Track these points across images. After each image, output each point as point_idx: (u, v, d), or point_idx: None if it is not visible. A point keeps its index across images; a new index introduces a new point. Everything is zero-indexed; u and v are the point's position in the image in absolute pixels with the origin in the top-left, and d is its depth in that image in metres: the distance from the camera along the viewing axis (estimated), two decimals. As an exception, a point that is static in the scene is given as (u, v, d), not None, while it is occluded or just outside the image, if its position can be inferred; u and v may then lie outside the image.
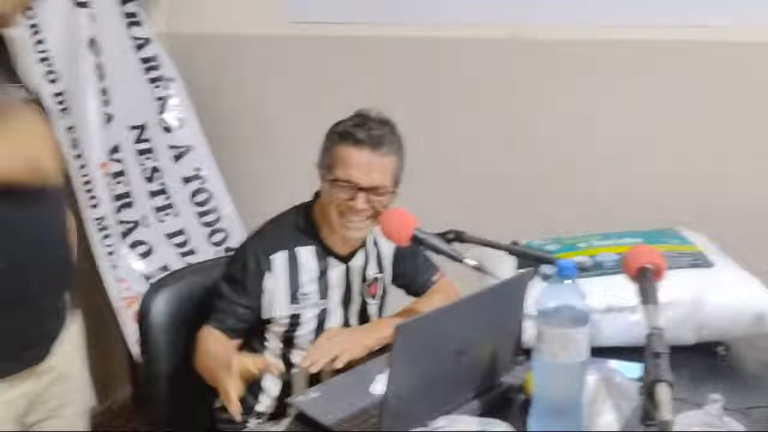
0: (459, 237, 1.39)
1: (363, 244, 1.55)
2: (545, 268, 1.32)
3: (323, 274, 1.50)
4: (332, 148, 1.43)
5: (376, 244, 1.58)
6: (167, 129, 2.41)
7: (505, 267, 1.46)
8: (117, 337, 2.22)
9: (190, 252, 2.39)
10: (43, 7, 2.05)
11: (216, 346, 1.41)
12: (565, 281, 1.11)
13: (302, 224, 1.50)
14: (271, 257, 1.45)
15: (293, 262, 1.47)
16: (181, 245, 2.36)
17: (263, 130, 2.55)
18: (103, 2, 2.19)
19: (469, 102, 2.30)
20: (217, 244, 2.43)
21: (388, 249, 1.59)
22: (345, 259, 1.52)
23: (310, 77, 2.44)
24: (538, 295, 1.16)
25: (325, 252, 1.50)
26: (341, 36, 2.37)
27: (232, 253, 1.61)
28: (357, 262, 1.54)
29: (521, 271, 1.37)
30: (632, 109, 2.13)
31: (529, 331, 1.26)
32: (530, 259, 1.37)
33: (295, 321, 1.48)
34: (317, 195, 1.50)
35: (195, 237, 2.41)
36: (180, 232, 2.38)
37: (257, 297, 1.46)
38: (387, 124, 1.45)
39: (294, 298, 1.47)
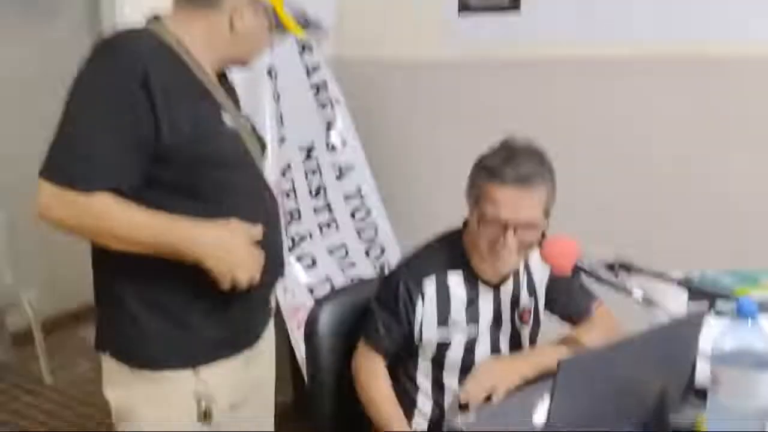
0: (625, 267, 1.34)
1: (514, 271, 1.54)
2: (721, 305, 1.26)
3: (473, 300, 1.50)
4: (479, 184, 1.43)
5: (527, 270, 1.57)
6: (332, 149, 2.57)
7: (676, 301, 1.39)
8: (282, 342, 2.38)
9: (350, 265, 2.52)
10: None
11: (381, 392, 1.49)
12: (747, 320, 1.06)
13: (451, 251, 1.51)
14: (422, 283, 1.48)
15: (443, 288, 1.49)
16: (341, 258, 2.50)
17: (420, 151, 2.64)
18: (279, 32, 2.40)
19: (634, 128, 2.24)
20: (375, 258, 2.54)
21: (541, 275, 1.57)
22: (495, 286, 1.52)
23: (465, 100, 2.50)
24: (714, 333, 1.11)
25: (474, 279, 1.50)
26: (495, 59, 2.42)
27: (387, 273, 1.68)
28: (507, 288, 1.53)
29: (694, 307, 1.31)
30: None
31: (703, 372, 1.20)
32: (704, 294, 1.30)
33: (444, 345, 1.50)
34: (465, 223, 1.51)
35: (354, 251, 2.54)
36: (341, 246, 2.52)
37: (409, 322, 1.49)
38: (535, 155, 1.42)
39: (443, 323, 1.49)
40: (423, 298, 1.49)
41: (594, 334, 1.51)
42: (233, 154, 1.32)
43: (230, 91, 1.44)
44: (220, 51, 1.34)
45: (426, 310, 1.49)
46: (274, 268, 1.39)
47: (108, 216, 1.18)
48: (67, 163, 1.17)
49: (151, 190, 1.23)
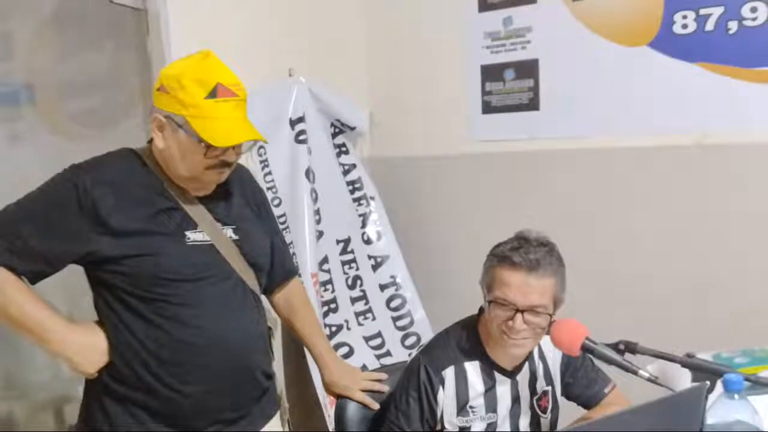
0: (630, 348, 1.40)
1: (528, 358, 1.59)
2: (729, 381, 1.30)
3: (490, 389, 1.56)
4: (491, 270, 1.52)
5: (542, 356, 1.62)
6: (367, 241, 2.72)
7: (683, 380, 1.44)
8: (323, 428, 2.45)
9: (386, 354, 2.60)
10: (272, 145, 2.50)
11: None
12: (733, 395, 1.12)
13: (468, 340, 1.58)
14: (443, 373, 1.55)
15: (461, 377, 1.55)
16: (377, 347, 2.59)
17: (451, 240, 2.76)
18: (318, 137, 2.61)
19: (646, 213, 2.33)
20: (410, 347, 2.62)
21: (554, 360, 1.62)
22: (511, 373, 1.57)
23: (490, 190, 2.65)
24: (712, 409, 1.17)
25: (490, 367, 1.56)
26: (517, 152, 2.58)
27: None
28: (523, 376, 1.58)
29: (695, 384, 1.36)
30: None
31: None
32: (705, 372, 1.35)
33: (466, 428, 1.55)
34: (482, 310, 1.59)
35: (390, 340, 2.62)
36: (377, 335, 2.61)
37: (431, 409, 1.55)
38: (545, 245, 1.50)
39: (462, 411, 1.55)
40: (443, 387, 1.55)
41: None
42: (189, 268, 1.39)
43: (222, 202, 1.49)
44: (167, 168, 1.42)
45: (447, 398, 1.55)
46: (235, 381, 1.46)
47: (1, 287, 1.34)
48: None
49: (116, 298, 1.39)
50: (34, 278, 1.39)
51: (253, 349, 1.51)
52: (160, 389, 1.40)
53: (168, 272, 1.38)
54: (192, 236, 1.41)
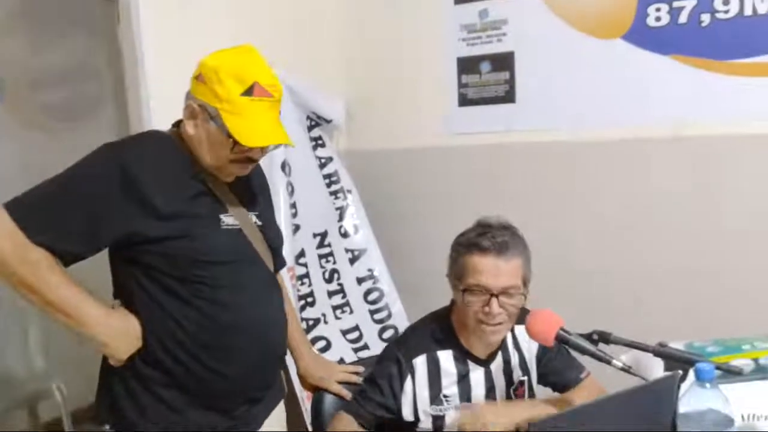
0: (604, 338, 1.42)
1: (502, 347, 1.60)
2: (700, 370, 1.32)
3: (464, 377, 1.57)
4: (460, 259, 1.52)
5: (517, 346, 1.63)
6: (344, 235, 2.71)
7: (656, 369, 1.46)
8: (299, 421, 2.44)
9: (363, 347, 2.59)
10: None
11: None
12: (706, 385, 1.13)
13: (441, 331, 1.59)
14: (412, 362, 1.55)
15: (434, 366, 1.56)
16: (354, 341, 2.58)
17: (429, 233, 2.75)
18: (294, 130, 2.58)
19: (620, 205, 2.35)
20: (387, 340, 2.62)
21: (530, 350, 1.63)
22: (485, 362, 1.58)
23: (466, 183, 2.65)
24: (684, 397, 1.18)
25: (464, 355, 1.57)
26: (493, 144, 2.58)
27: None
28: (497, 365, 1.59)
29: (668, 373, 1.37)
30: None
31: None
32: (677, 361, 1.37)
33: (439, 423, 1.56)
34: (453, 302, 1.60)
35: (367, 333, 2.62)
36: (354, 329, 2.61)
37: (393, 398, 1.56)
38: (508, 228, 1.53)
39: (436, 400, 1.56)
40: (413, 376, 1.55)
41: (585, 396, 1.57)
42: (225, 251, 1.42)
43: (246, 189, 1.52)
44: (196, 154, 1.43)
45: (417, 387, 1.56)
46: (265, 361, 1.50)
47: (36, 267, 1.31)
48: (29, 210, 1.32)
49: (150, 277, 1.38)
50: (71, 260, 1.37)
51: (280, 331, 1.56)
52: (198, 369, 1.41)
53: (206, 255, 1.40)
54: (225, 220, 1.44)
